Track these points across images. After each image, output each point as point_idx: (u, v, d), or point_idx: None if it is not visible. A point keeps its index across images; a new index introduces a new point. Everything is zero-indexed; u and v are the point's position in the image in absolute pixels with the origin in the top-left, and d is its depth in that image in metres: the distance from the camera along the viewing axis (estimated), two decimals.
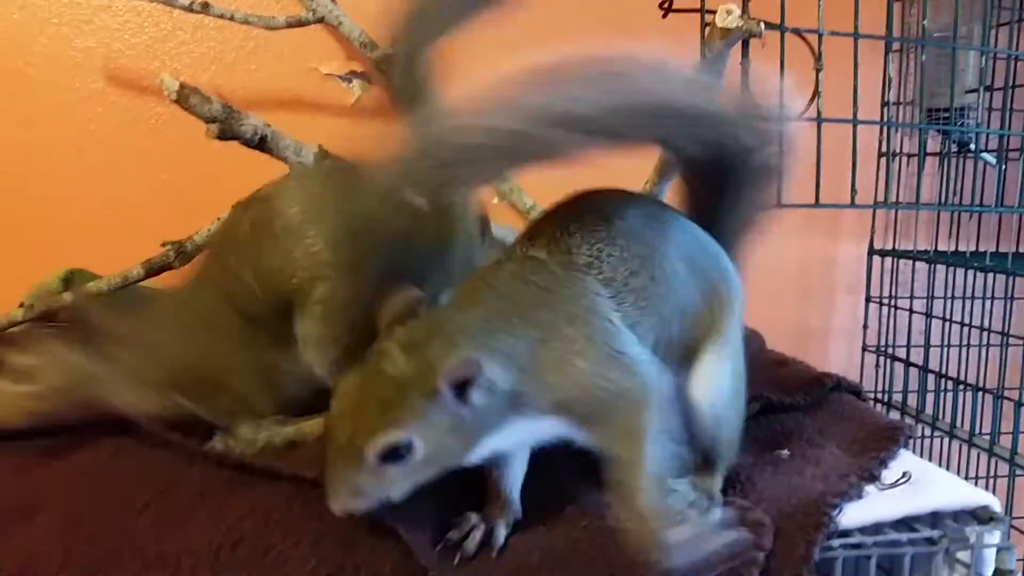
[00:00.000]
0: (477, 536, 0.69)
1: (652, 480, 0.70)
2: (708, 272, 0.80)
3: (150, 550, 0.64)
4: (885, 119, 1.51)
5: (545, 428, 0.71)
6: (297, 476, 0.72)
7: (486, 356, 0.66)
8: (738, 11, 1.07)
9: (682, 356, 0.79)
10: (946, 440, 1.58)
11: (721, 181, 0.86)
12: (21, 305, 1.36)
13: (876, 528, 0.78)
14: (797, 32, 1.17)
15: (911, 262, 1.69)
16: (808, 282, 1.85)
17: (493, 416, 0.67)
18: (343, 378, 0.67)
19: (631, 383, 0.71)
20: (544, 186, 1.60)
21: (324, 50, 1.74)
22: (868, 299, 1.71)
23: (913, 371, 1.65)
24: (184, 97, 1.15)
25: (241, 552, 0.64)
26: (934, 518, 0.82)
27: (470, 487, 0.74)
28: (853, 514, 0.77)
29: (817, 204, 1.19)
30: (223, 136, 1.17)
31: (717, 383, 0.79)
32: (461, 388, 0.64)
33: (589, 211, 0.79)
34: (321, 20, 1.54)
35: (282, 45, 1.73)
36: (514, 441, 0.71)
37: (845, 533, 0.76)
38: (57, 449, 0.82)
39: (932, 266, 1.64)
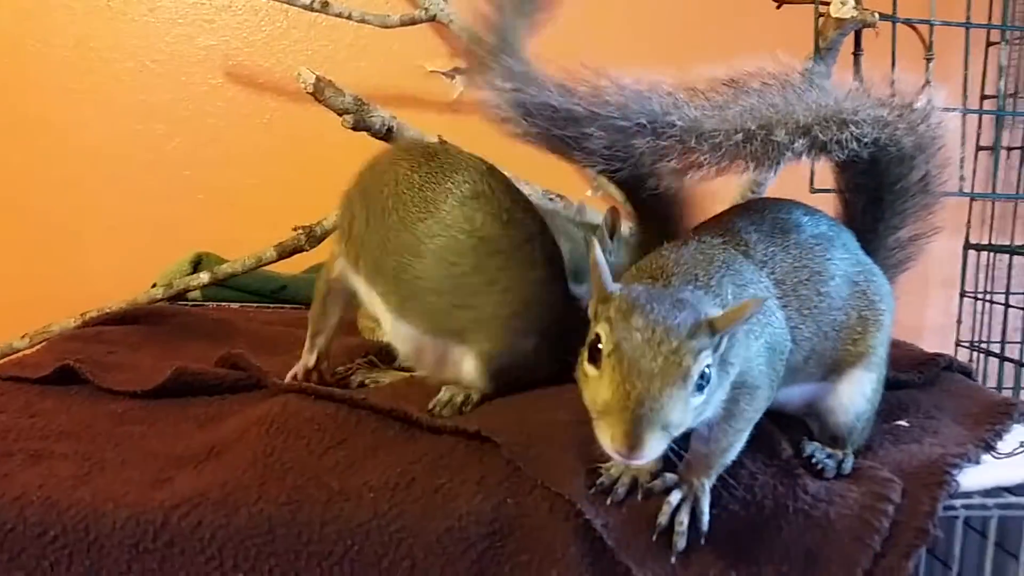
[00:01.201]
0: (626, 481, 0.75)
1: (724, 464, 0.75)
2: (867, 293, 0.86)
3: (335, 486, 0.71)
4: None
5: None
6: (459, 429, 0.79)
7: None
8: (852, 1, 1.10)
9: (831, 367, 0.85)
10: None
11: (879, 195, 0.92)
12: (154, 286, 1.46)
13: (994, 492, 0.82)
14: (908, 22, 1.20)
15: (1008, 257, 1.68)
16: (901, 276, 1.86)
17: (718, 377, 0.69)
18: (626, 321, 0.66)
19: (766, 384, 0.76)
20: None
21: (429, 48, 1.82)
22: (963, 294, 1.71)
23: (1008, 366, 1.65)
24: (320, 90, 1.23)
25: (416, 488, 0.71)
26: None
27: None
28: (971, 479, 0.80)
29: None
30: (356, 127, 1.24)
31: (862, 391, 0.86)
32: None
33: (765, 218, 0.84)
34: (433, 18, 1.61)
35: (390, 43, 1.81)
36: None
37: (965, 495, 0.80)
38: (230, 407, 0.91)
39: None
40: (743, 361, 0.72)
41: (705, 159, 0.79)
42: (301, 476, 0.73)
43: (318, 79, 1.22)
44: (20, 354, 1.31)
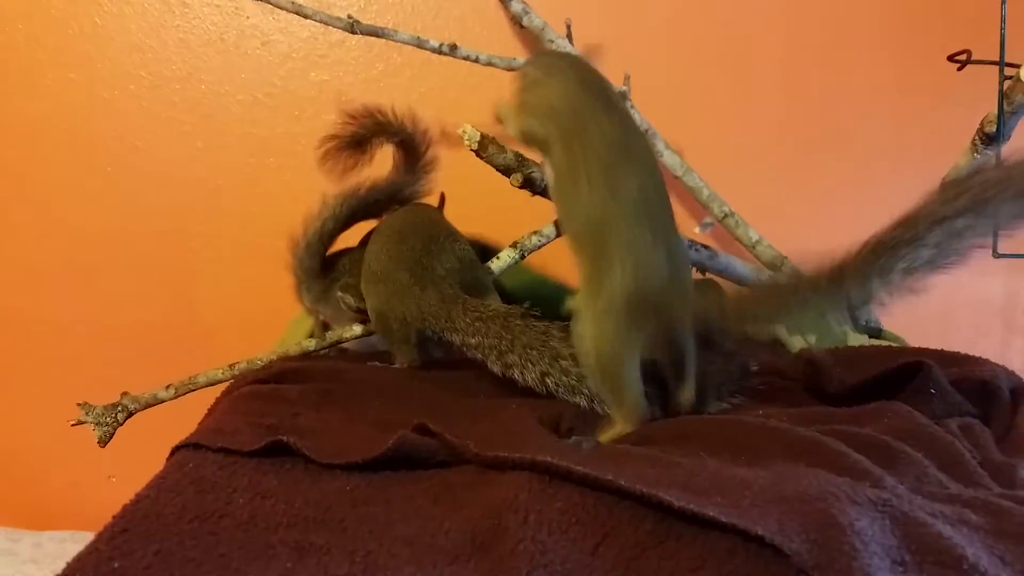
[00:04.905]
0: None
1: None
2: None
3: None
4: None
5: None
6: (733, 526, 0.76)
7: None
8: None
9: None
10: None
11: None
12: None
13: None
14: None
15: None
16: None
17: None
18: None
19: None
20: (770, 220, 1.64)
21: None
22: None
23: None
24: (484, 147, 1.22)
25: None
26: None
27: None
28: None
29: None
30: (525, 185, 1.23)
31: None
32: None
33: None
34: None
35: (501, 83, 1.80)
36: None
37: None
38: (453, 479, 0.90)
39: None
40: None
41: None
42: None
43: (483, 136, 1.21)
44: (174, 403, 1.31)
